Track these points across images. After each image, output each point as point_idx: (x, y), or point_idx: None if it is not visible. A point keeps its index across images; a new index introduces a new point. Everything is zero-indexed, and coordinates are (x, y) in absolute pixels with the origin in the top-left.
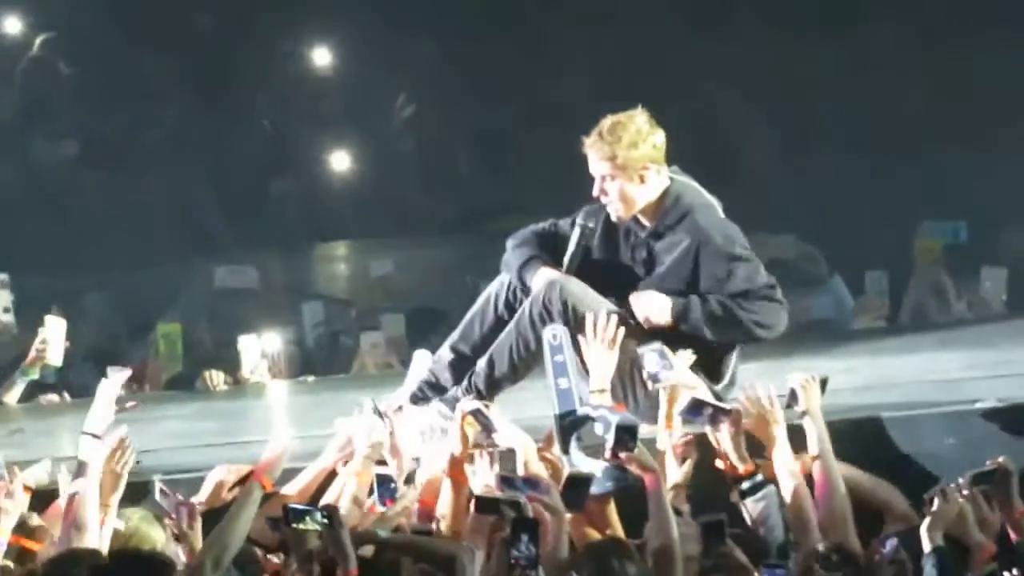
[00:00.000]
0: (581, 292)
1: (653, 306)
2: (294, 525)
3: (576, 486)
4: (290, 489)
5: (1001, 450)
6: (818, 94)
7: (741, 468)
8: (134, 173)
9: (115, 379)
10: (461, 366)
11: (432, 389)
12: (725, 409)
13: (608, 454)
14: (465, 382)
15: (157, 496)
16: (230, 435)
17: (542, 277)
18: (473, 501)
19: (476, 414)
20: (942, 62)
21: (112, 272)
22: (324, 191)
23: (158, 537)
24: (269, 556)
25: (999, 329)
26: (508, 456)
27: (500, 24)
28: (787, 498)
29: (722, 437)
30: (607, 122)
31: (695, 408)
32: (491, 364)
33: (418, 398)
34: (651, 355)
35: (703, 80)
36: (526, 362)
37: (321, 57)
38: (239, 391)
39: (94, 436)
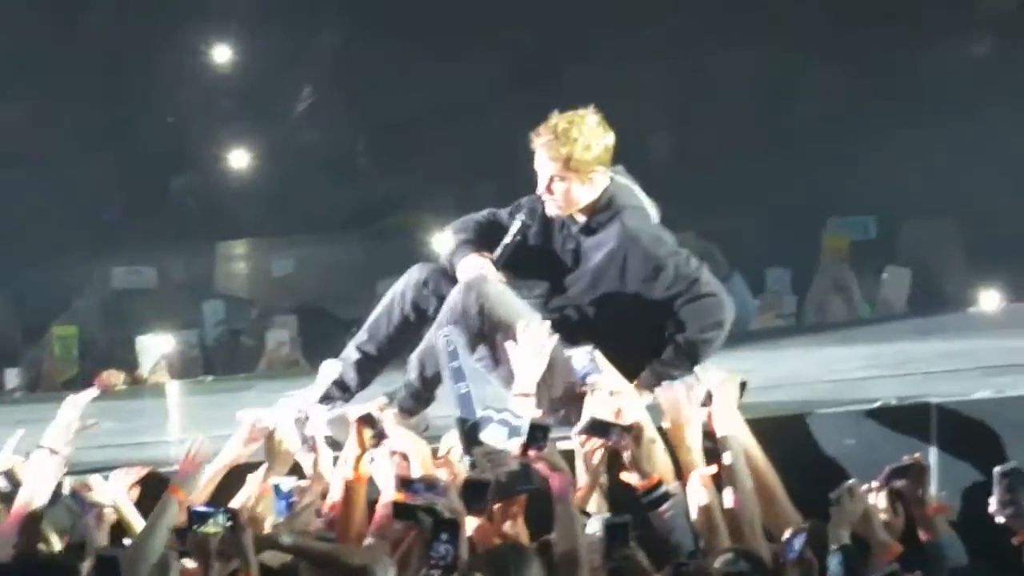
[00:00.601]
0: (497, 295)
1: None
2: (196, 528)
3: (475, 490)
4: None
5: (901, 449)
6: (721, 89)
7: (643, 481)
8: (29, 170)
9: (81, 398)
10: (367, 366)
11: (339, 388)
12: (622, 427)
13: (518, 451)
14: (405, 380)
15: (66, 497)
16: (130, 435)
17: (468, 264)
18: (392, 507)
19: (367, 420)
20: (849, 58)
21: (5, 272)
22: (224, 189)
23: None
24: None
25: (899, 327)
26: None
27: (400, 20)
28: (696, 507)
29: (626, 452)
30: (561, 123)
31: (592, 427)
32: (421, 365)
33: (327, 398)
34: (581, 356)
35: (604, 76)
36: None
37: (221, 54)
38: (138, 391)
39: (52, 451)
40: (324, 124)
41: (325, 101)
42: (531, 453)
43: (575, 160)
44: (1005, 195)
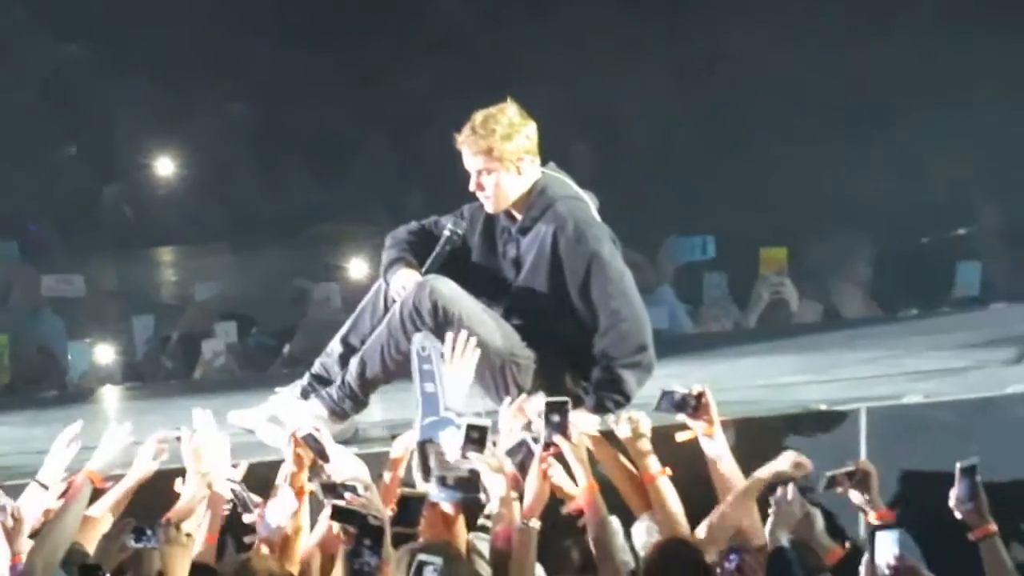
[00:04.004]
0: (451, 292)
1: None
2: (135, 544)
3: (410, 506)
4: (104, 503)
5: (831, 454)
6: (637, 96)
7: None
8: None
9: (66, 434)
10: (352, 359)
11: (323, 384)
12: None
13: (459, 452)
14: (338, 381)
15: None
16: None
17: (400, 279)
18: (329, 510)
19: (308, 439)
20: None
21: None
22: (152, 197)
23: None
24: None
25: (829, 336)
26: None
27: (328, 31)
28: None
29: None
30: (479, 116)
31: (518, 448)
32: (363, 364)
33: (309, 393)
34: (553, 407)
35: (525, 80)
36: (398, 363)
37: (148, 63)
38: (68, 397)
39: (42, 486)
40: (253, 133)
41: (252, 108)
42: (469, 454)
43: (497, 150)
44: (891, 207)
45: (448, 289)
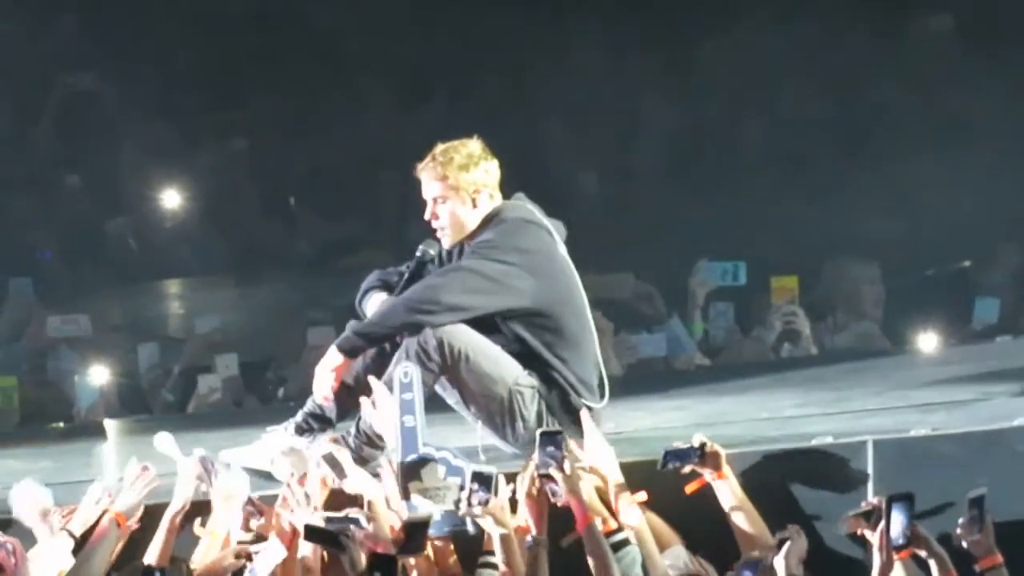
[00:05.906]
0: (453, 327)
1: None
2: None
3: (414, 530)
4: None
5: (837, 487)
6: (650, 126)
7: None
8: None
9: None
10: (345, 395)
11: (318, 420)
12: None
13: (464, 506)
14: (353, 430)
15: None
16: (65, 474)
17: (375, 302)
18: (303, 529)
19: (328, 459)
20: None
21: None
22: (157, 230)
23: None
24: None
25: (833, 370)
26: None
27: (332, 63)
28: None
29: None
30: (440, 146)
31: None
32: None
33: (303, 430)
34: (548, 440)
35: (537, 111)
36: None
37: (150, 93)
38: (73, 430)
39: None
40: (262, 168)
41: (267, 140)
42: (475, 507)
43: (452, 178)
44: (917, 236)
45: (452, 325)
